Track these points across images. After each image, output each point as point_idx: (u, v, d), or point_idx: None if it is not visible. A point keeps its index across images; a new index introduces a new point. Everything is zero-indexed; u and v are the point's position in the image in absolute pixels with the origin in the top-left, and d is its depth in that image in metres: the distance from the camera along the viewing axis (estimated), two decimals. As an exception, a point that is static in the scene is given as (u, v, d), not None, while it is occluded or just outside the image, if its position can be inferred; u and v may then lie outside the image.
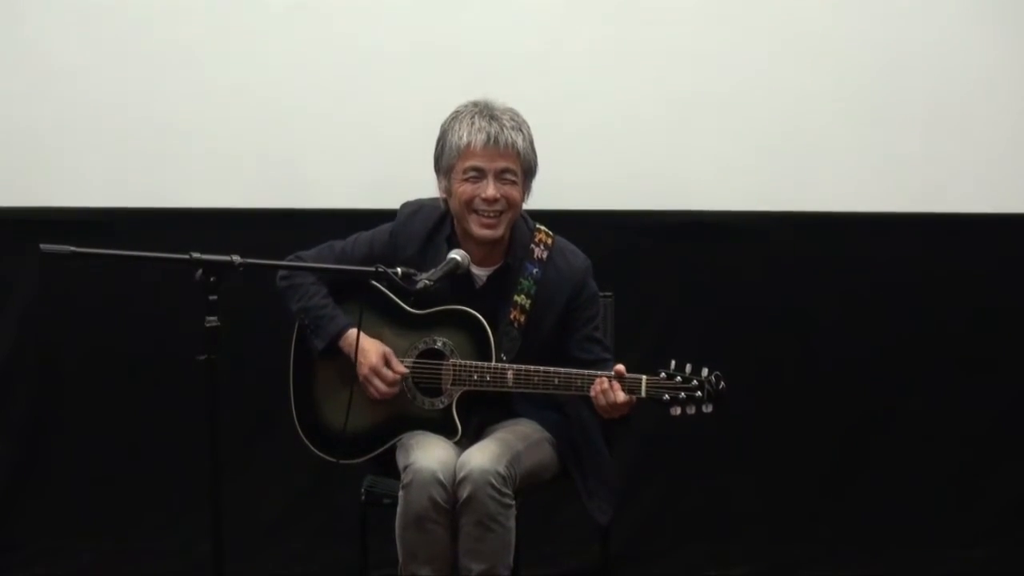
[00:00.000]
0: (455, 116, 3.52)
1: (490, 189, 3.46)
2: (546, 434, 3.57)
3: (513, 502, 3.37)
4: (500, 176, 3.47)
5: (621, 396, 3.35)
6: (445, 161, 3.51)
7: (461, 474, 3.34)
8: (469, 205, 3.48)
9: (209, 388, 2.94)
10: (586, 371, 3.41)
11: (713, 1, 4.50)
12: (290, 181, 4.52)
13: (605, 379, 3.37)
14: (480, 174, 3.46)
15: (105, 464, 4.60)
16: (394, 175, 4.39)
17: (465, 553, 3.35)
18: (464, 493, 3.33)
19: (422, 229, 3.58)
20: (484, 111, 3.50)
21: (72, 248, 2.88)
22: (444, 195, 3.55)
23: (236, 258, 2.97)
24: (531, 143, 3.52)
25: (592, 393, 3.38)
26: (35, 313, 4.58)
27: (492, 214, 3.48)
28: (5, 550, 4.57)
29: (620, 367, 3.37)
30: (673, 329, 4.50)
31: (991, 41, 4.50)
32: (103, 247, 3.05)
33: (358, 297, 3.48)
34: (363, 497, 3.57)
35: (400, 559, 3.40)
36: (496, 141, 3.45)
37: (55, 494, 4.62)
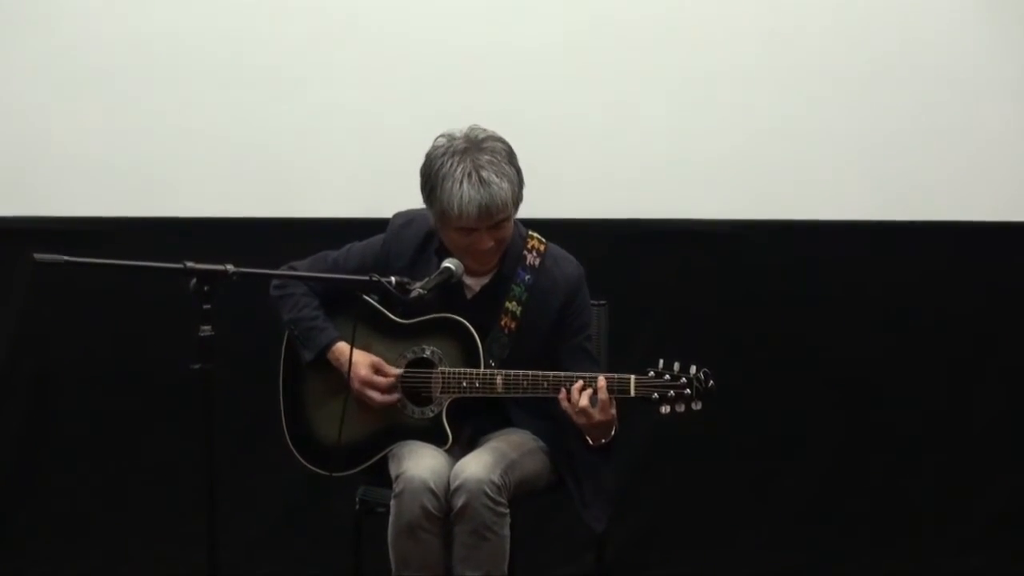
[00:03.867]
0: (441, 166, 3.38)
1: (486, 242, 3.42)
2: (540, 443, 3.56)
3: (507, 511, 3.36)
4: (493, 228, 3.42)
5: (584, 400, 3.32)
6: (434, 210, 3.43)
7: (456, 483, 3.34)
8: (463, 250, 3.46)
9: (203, 397, 2.94)
10: (575, 373, 3.40)
11: (707, 10, 4.50)
12: (284, 190, 4.52)
13: (580, 382, 3.35)
14: (472, 230, 3.41)
15: (99, 473, 4.59)
16: (387, 184, 4.37)
17: (460, 562, 3.35)
18: (459, 502, 3.32)
19: (413, 241, 3.56)
20: (471, 169, 3.34)
21: (65, 257, 2.89)
22: (432, 223, 3.50)
23: (230, 267, 2.98)
24: (517, 175, 3.43)
25: (559, 395, 3.36)
26: (29, 322, 4.57)
27: (487, 256, 3.47)
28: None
29: (602, 381, 3.35)
30: (666, 337, 4.50)
31: (987, 45, 4.51)
32: (97, 256, 3.06)
33: (350, 309, 3.48)
34: (357, 506, 3.57)
35: (393, 567, 3.40)
36: (488, 210, 3.36)
37: (50, 502, 4.61)
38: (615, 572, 4.47)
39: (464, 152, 3.38)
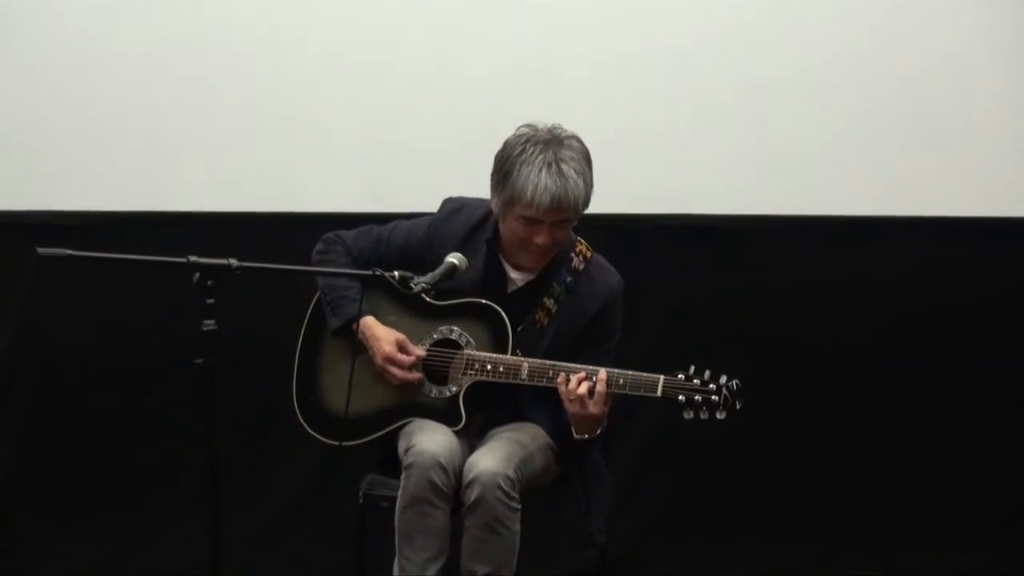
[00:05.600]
0: (522, 151, 3.39)
1: (543, 237, 3.42)
2: (548, 439, 3.55)
3: (519, 506, 3.36)
4: (556, 224, 3.42)
5: (582, 389, 3.33)
6: (504, 193, 3.41)
7: (470, 476, 3.34)
8: (519, 241, 3.45)
9: (206, 392, 2.94)
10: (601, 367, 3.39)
11: (714, 10, 4.50)
12: (287, 185, 4.52)
13: (582, 372, 3.36)
14: (536, 221, 3.41)
15: (102, 468, 4.59)
16: (391, 179, 4.39)
17: (470, 556, 3.35)
18: (472, 495, 3.32)
19: (461, 229, 3.55)
20: (552, 160, 3.36)
21: (69, 251, 2.88)
22: (494, 209, 3.49)
23: (233, 261, 2.97)
24: (591, 179, 3.43)
25: (558, 380, 3.37)
26: (32, 316, 4.57)
27: (540, 253, 3.47)
28: (2, 553, 4.57)
29: (602, 374, 3.36)
30: (672, 333, 4.50)
31: (984, 46, 4.51)
32: (100, 250, 3.06)
33: (389, 285, 3.44)
34: (361, 500, 3.55)
35: (396, 543, 3.39)
36: (560, 204, 3.36)
37: (52, 498, 4.61)
38: (615, 570, 4.46)
39: (547, 143, 3.40)
